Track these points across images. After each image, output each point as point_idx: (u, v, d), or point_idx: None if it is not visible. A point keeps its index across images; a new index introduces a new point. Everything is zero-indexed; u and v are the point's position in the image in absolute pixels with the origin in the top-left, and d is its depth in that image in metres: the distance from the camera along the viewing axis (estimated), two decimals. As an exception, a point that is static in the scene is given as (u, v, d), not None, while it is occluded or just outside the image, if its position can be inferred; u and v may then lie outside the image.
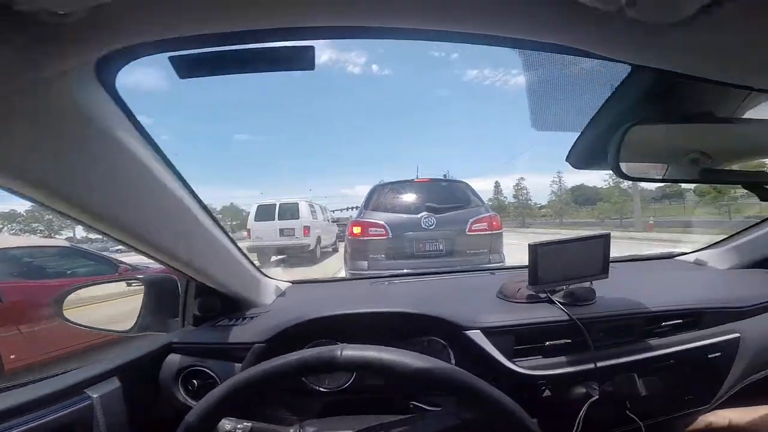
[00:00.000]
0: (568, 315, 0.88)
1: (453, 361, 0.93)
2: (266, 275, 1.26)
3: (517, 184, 45.30)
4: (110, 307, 1.85)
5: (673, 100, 0.50)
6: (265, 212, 10.62)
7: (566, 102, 0.58)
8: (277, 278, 1.34)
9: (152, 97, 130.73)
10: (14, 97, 0.40)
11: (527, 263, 0.95)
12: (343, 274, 4.92)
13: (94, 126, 0.50)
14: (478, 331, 0.89)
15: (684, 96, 0.50)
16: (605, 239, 0.95)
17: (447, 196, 4.18)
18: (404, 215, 3.93)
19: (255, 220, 10.57)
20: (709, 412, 0.88)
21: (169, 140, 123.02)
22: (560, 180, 39.41)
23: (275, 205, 10.65)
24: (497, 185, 51.91)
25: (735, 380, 0.95)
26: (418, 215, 3.88)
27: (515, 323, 0.90)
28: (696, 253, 1.44)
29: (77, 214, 0.57)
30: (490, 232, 3.88)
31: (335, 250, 12.04)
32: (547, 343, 0.89)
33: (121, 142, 0.55)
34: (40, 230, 61.62)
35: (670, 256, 1.57)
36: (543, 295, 0.96)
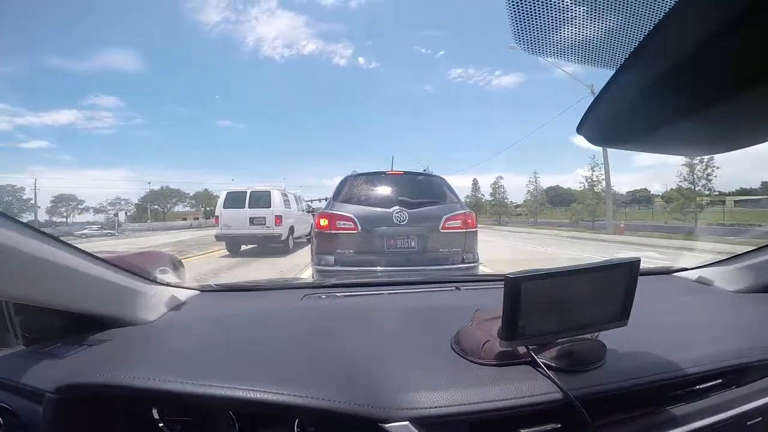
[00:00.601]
0: (563, 391, 0.59)
1: None
2: (159, 282, 1.01)
3: (495, 183, 45.66)
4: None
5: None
6: (234, 199, 10.18)
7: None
8: (185, 285, 1.09)
9: (124, 79, 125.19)
10: None
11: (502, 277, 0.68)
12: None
13: None
14: (407, 423, 0.59)
15: None
16: (631, 269, 0.64)
17: (421, 190, 3.96)
18: (375, 209, 3.69)
19: (224, 208, 10.11)
20: None
21: (143, 123, 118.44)
22: (536, 180, 39.92)
23: (246, 192, 10.21)
24: (475, 183, 52.30)
25: None
26: (390, 209, 3.63)
27: (471, 409, 0.59)
28: (698, 270, 1.27)
29: None
30: (465, 230, 3.68)
31: (310, 241, 11.68)
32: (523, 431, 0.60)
33: None
34: (-2, 210, 58.76)
35: (668, 272, 1.41)
36: (522, 350, 0.65)
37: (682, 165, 21.34)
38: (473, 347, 0.69)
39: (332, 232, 3.55)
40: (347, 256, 3.51)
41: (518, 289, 0.58)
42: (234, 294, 1.24)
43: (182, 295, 1.06)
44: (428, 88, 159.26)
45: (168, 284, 1.05)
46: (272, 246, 10.30)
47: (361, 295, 1.21)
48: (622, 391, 0.63)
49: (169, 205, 77.78)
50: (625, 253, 9.63)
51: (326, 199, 4.10)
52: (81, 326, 0.82)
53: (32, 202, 59.03)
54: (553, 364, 0.63)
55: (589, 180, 27.84)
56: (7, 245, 0.63)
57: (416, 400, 0.61)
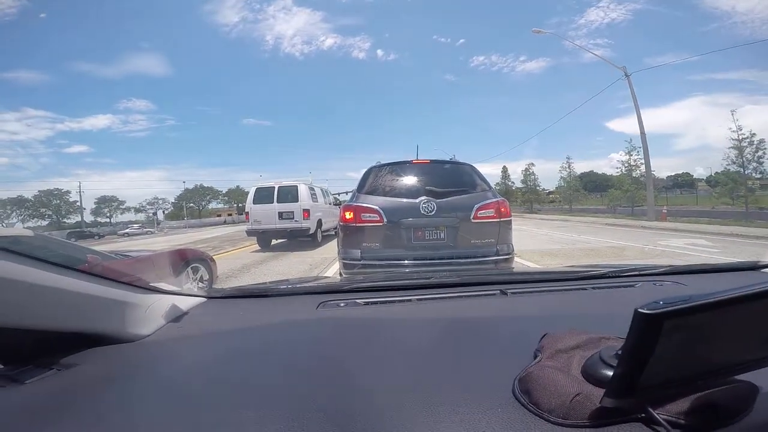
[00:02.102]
0: None
1: None
2: (158, 290, 0.89)
3: (525, 169, 44.25)
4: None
5: None
6: (263, 195, 10.36)
7: None
8: (186, 292, 0.96)
9: (153, 82, 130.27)
10: None
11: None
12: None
13: None
14: None
15: None
16: None
17: (449, 179, 3.76)
18: (401, 200, 3.52)
19: (253, 203, 10.32)
20: None
21: (174, 125, 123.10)
22: (569, 166, 37.96)
23: (274, 187, 10.36)
24: (505, 170, 51.01)
25: None
26: (417, 200, 3.45)
27: None
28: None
29: None
30: (498, 220, 3.45)
31: (337, 234, 11.67)
32: None
33: None
34: (48, 215, 62.76)
35: (754, 267, 1.20)
36: (629, 402, 0.45)
37: (730, 148, 19.95)
38: (556, 402, 0.46)
39: (357, 225, 3.43)
40: (373, 249, 3.38)
41: (657, 331, 0.37)
42: (243, 301, 1.12)
43: (185, 303, 0.95)
44: (450, 78, 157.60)
45: (170, 292, 0.95)
46: (301, 239, 10.38)
47: (384, 302, 1.06)
48: None
49: (203, 203, 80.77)
50: (670, 241, 9.05)
51: (353, 191, 3.98)
52: (67, 342, 0.72)
53: (78, 204, 62.69)
54: (682, 421, 0.43)
55: (627, 165, 26.50)
56: None
57: None
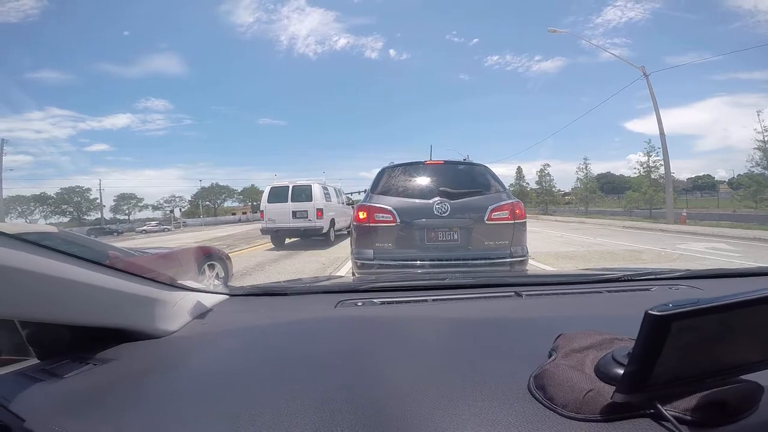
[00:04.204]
0: None
1: None
2: (183, 287, 0.92)
3: (541, 170, 43.71)
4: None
5: None
6: (277, 194, 10.52)
7: None
8: (210, 289, 0.99)
9: (170, 82, 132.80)
10: None
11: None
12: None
13: None
14: None
15: None
16: None
17: (463, 180, 3.74)
18: (414, 200, 3.53)
19: (268, 202, 10.49)
20: None
21: (191, 124, 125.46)
22: (586, 167, 37.27)
23: (288, 187, 10.53)
24: (519, 171, 50.45)
25: None
26: (430, 200, 3.45)
27: None
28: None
29: None
30: (513, 221, 3.43)
31: (350, 234, 11.69)
32: None
33: None
34: (69, 211, 64.53)
35: None
36: (638, 397, 0.47)
37: (754, 149, 19.38)
38: (569, 398, 0.48)
39: (371, 225, 3.44)
40: (386, 249, 3.40)
41: (666, 332, 0.40)
42: (264, 299, 1.15)
43: (209, 300, 0.99)
44: (464, 77, 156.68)
45: (195, 289, 0.98)
46: (314, 238, 10.48)
47: (401, 302, 1.08)
48: None
49: (219, 201, 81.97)
50: (690, 244, 8.85)
51: (365, 191, 4.01)
52: (98, 338, 0.75)
53: (98, 201, 64.26)
54: (689, 417, 0.45)
55: (645, 166, 25.93)
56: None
57: None
